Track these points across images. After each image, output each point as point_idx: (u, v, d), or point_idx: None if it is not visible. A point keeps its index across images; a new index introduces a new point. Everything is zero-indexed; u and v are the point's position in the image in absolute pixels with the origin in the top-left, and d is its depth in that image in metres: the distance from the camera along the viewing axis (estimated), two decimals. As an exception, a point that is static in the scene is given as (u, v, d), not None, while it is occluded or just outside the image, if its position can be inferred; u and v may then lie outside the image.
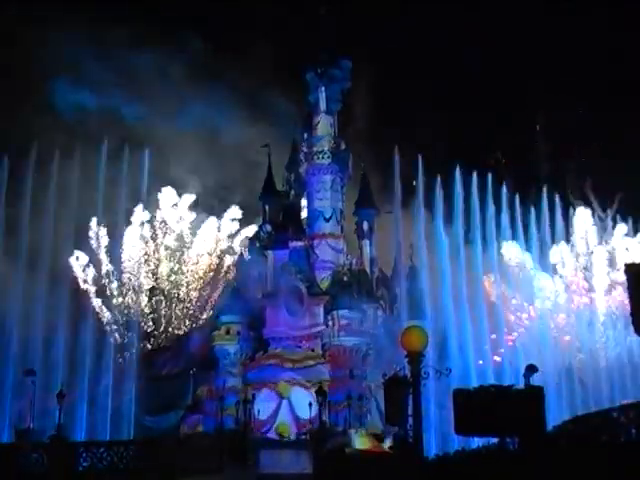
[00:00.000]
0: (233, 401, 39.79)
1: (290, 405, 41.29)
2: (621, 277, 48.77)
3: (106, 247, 58.01)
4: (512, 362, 44.29)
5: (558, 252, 58.00)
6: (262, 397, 41.35)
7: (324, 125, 49.34)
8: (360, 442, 35.13)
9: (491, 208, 49.56)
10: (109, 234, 57.37)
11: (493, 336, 48.80)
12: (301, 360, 42.72)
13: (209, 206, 61.25)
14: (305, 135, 49.75)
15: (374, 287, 47.17)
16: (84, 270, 57.53)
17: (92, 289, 57.75)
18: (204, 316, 57.68)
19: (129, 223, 58.09)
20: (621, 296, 52.30)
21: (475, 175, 49.69)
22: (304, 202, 49.34)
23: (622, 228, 59.90)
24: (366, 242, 49.10)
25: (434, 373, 14.78)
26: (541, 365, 25.65)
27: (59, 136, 49.56)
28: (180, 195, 60.55)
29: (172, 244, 60.17)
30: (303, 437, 37.90)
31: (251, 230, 56.42)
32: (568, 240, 58.81)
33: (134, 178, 49.90)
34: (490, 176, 50.26)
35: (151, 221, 59.74)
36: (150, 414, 42.46)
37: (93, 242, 57.89)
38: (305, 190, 49.27)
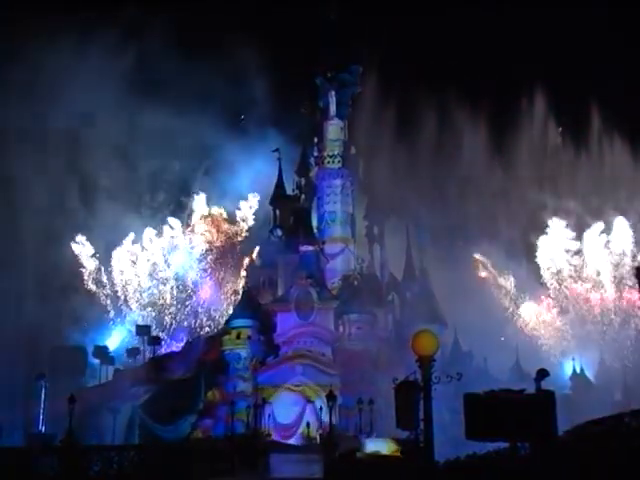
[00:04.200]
0: (244, 405, 39.72)
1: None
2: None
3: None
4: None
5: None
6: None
7: (334, 130, 49.45)
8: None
9: None
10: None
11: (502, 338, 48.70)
12: (312, 364, 42.65)
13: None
14: (315, 139, 49.90)
15: (384, 291, 47.14)
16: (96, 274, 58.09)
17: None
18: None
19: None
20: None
21: None
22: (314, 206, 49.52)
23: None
24: (376, 246, 49.09)
25: (445, 378, 14.73)
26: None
27: None
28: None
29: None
30: (313, 442, 37.76)
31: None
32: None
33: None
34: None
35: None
36: (161, 422, 42.07)
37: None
38: (315, 194, 49.34)
